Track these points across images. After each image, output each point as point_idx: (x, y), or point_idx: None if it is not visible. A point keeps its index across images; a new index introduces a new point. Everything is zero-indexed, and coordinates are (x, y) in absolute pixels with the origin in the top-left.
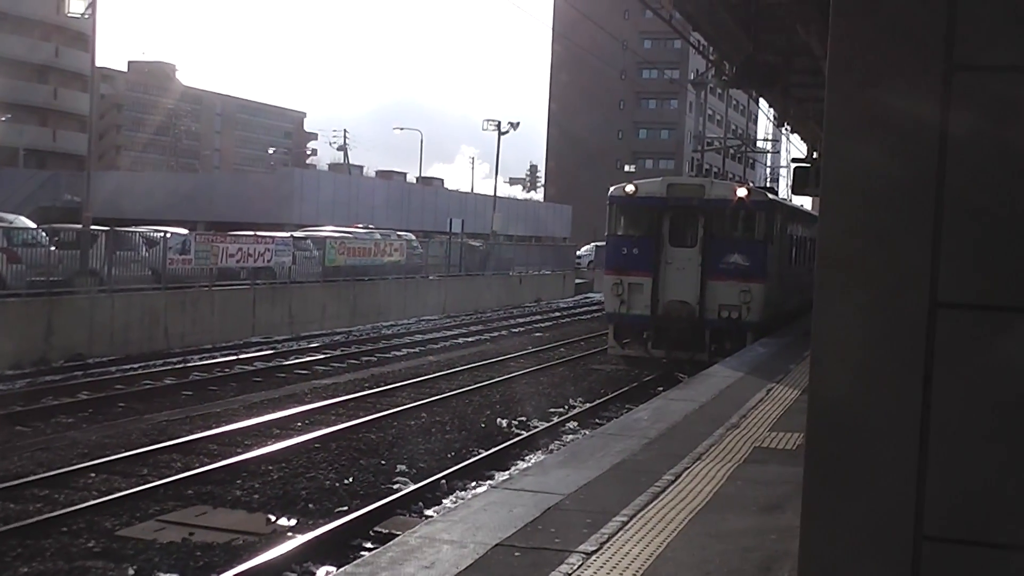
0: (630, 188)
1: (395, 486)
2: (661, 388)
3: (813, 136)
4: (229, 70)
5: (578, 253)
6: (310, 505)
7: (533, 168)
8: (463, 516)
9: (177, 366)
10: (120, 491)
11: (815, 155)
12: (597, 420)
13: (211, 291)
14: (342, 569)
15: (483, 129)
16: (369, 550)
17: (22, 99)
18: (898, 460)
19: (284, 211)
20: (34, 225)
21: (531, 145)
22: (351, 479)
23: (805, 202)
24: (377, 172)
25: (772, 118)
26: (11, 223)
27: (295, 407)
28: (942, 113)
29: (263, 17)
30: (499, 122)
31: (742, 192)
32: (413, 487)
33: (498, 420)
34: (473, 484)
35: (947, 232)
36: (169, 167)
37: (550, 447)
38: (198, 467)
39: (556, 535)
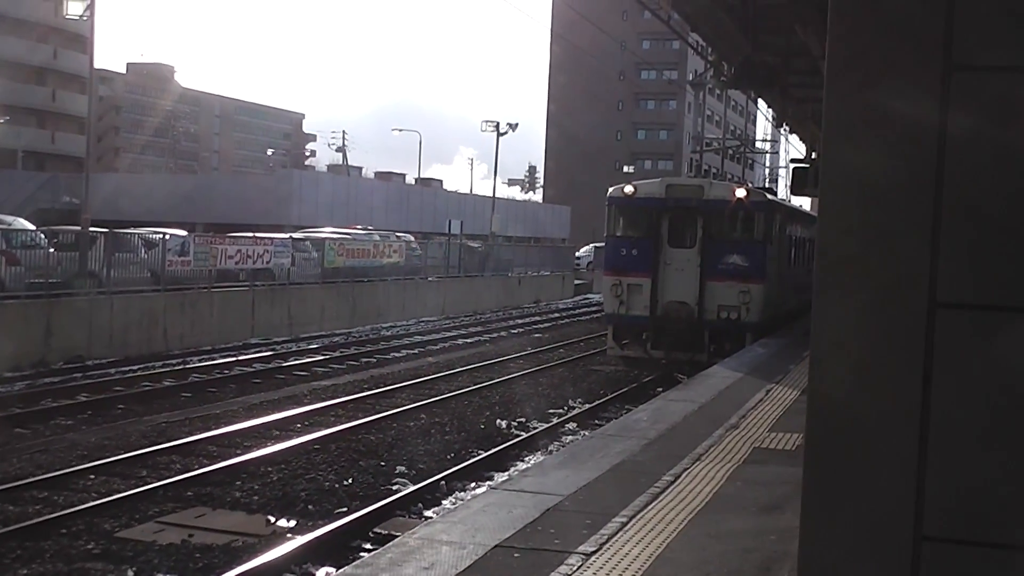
0: (629, 189)
1: (394, 487)
2: (660, 389)
3: (812, 136)
4: (228, 71)
5: (577, 254)
6: (310, 506)
7: (532, 169)
8: (462, 517)
9: (176, 368)
10: (119, 493)
11: (814, 155)
12: (596, 421)
13: (210, 292)
14: (342, 570)
15: (482, 130)
16: (369, 551)
17: (21, 101)
18: (897, 460)
19: (283, 212)
20: (33, 227)
21: (530, 146)
22: (350, 480)
23: (804, 202)
24: (376, 173)
25: (771, 119)
26: (10, 225)
27: (294, 408)
28: (941, 113)
29: (262, 18)
30: (498, 123)
31: (741, 193)
32: (412, 488)
33: (497, 421)
34: (472, 485)
35: (946, 232)
36: (168, 169)
37: (549, 448)
38: (197, 468)
39: (555, 536)
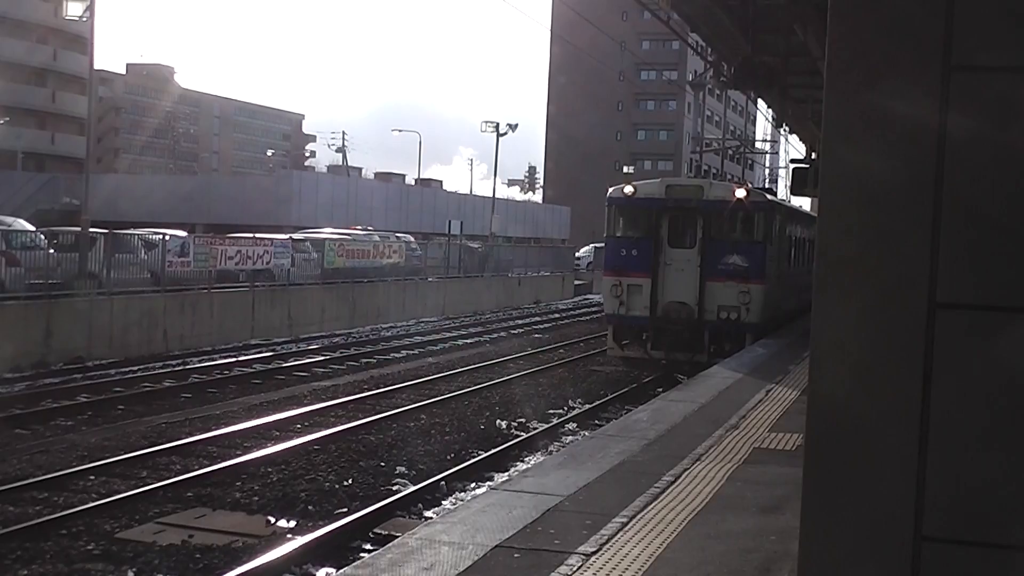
0: (629, 189)
1: (394, 488)
2: (660, 389)
3: (812, 137)
4: (227, 72)
5: (577, 254)
6: (310, 507)
7: (532, 169)
8: (462, 517)
9: (176, 368)
10: (119, 493)
11: (814, 156)
12: (596, 421)
13: (210, 293)
14: (342, 571)
15: (481, 131)
16: (369, 551)
17: (21, 102)
18: (897, 460)
19: (283, 213)
20: (33, 228)
21: (530, 146)
22: (351, 481)
23: (804, 203)
24: (376, 174)
25: (770, 119)
26: (10, 226)
27: (294, 409)
28: (941, 114)
29: (261, 19)
30: (497, 123)
31: (741, 193)
32: (412, 488)
33: (497, 422)
34: (472, 486)
35: (946, 232)
36: (167, 169)
37: (549, 448)
38: (197, 469)
39: (555, 536)
